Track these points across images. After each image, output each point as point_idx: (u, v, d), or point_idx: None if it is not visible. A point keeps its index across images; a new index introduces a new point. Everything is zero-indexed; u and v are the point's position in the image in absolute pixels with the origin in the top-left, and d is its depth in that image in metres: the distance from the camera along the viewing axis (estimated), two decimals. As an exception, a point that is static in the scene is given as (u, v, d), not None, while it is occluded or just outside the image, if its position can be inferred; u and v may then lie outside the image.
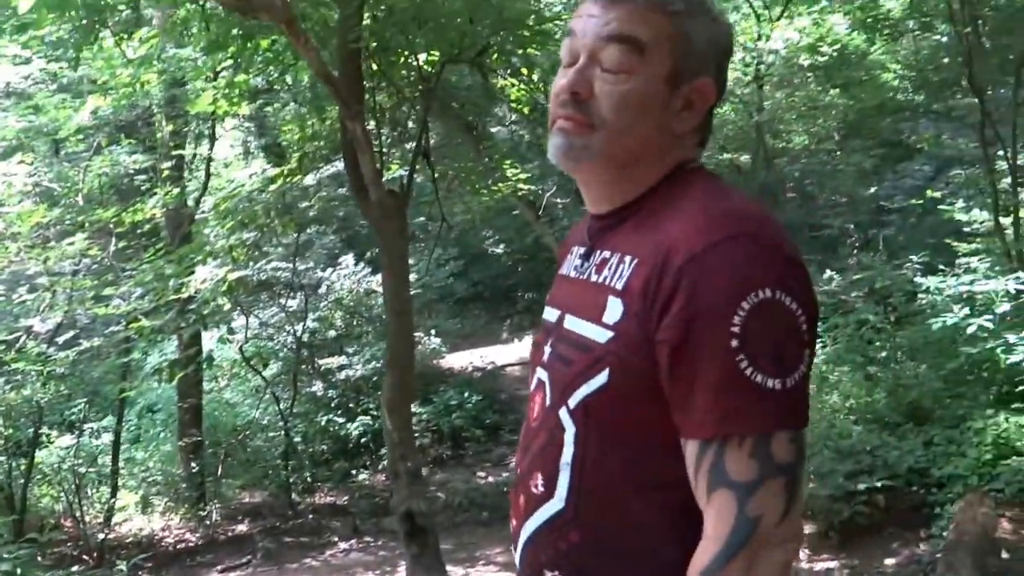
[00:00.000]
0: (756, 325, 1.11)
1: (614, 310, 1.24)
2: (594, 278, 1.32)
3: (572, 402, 1.27)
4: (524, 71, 6.32)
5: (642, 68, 1.27)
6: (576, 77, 1.29)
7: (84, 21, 4.78)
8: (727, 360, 1.11)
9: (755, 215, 1.21)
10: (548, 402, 1.33)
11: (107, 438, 9.74)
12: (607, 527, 1.25)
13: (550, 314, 1.44)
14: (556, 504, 1.28)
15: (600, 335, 1.24)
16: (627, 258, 1.26)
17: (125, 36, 5.82)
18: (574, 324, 1.33)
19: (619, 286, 1.24)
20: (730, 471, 1.11)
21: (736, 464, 1.11)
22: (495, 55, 6.04)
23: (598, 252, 1.35)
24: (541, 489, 1.30)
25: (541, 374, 1.38)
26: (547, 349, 1.39)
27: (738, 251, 1.15)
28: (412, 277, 12.25)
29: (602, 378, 1.22)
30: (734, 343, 1.11)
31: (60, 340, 8.34)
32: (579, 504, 1.26)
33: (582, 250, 1.40)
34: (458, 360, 12.90)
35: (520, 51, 5.84)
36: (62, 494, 8.93)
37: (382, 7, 5.37)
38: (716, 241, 1.15)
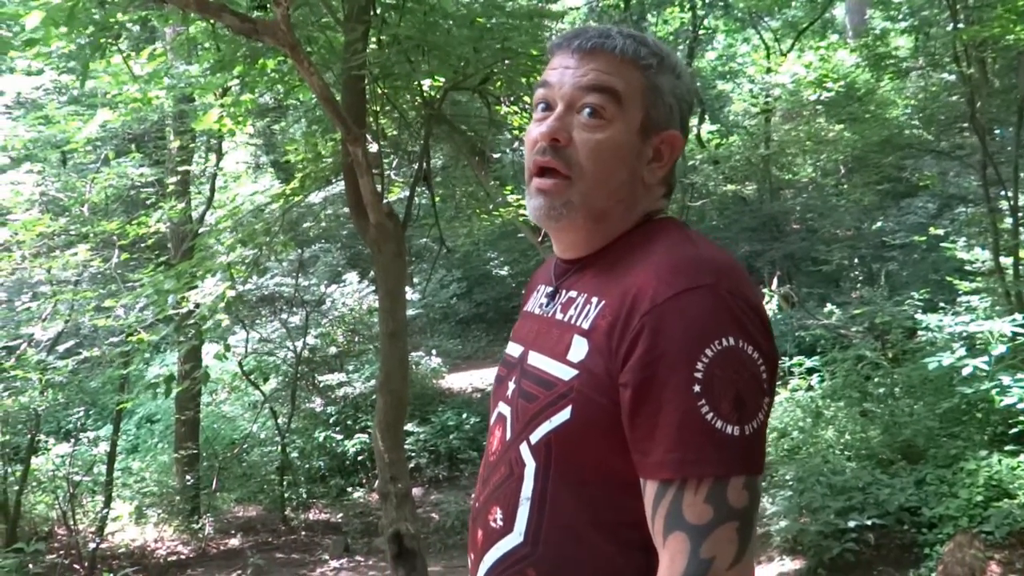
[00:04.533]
0: (719, 372, 1.14)
1: (579, 349, 1.26)
2: (560, 316, 1.35)
3: (534, 438, 1.28)
4: (527, 99, 6.37)
5: (618, 118, 1.31)
6: (556, 124, 1.32)
7: (92, 38, 4.82)
8: (689, 404, 1.13)
9: (721, 265, 1.23)
10: (509, 436, 1.34)
11: (104, 447, 9.73)
12: (565, 562, 1.26)
13: (513, 349, 1.46)
14: (515, 538, 1.29)
15: (565, 372, 1.27)
16: (594, 299, 1.29)
17: (133, 53, 5.87)
18: (538, 360, 1.35)
19: (585, 326, 1.27)
20: (686, 514, 1.13)
21: (692, 507, 1.12)
22: (499, 83, 6.10)
23: (564, 292, 1.38)
24: (500, 523, 1.32)
25: (503, 408, 1.40)
26: (511, 384, 1.40)
27: (704, 299, 1.17)
28: (415, 297, 12.30)
29: (565, 414, 1.24)
30: (696, 388, 1.13)
31: (60, 349, 8.38)
32: (538, 538, 1.27)
33: (548, 289, 1.44)
34: (458, 381, 12.90)
35: (523, 79, 5.89)
36: (56, 502, 8.94)
37: (387, 34, 5.42)
38: (682, 289, 1.17)
